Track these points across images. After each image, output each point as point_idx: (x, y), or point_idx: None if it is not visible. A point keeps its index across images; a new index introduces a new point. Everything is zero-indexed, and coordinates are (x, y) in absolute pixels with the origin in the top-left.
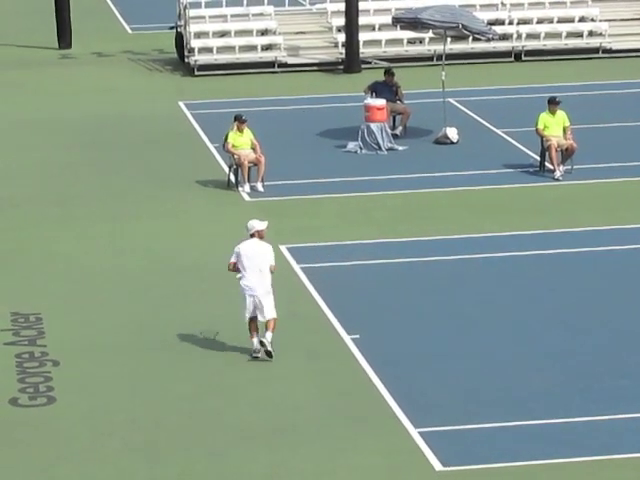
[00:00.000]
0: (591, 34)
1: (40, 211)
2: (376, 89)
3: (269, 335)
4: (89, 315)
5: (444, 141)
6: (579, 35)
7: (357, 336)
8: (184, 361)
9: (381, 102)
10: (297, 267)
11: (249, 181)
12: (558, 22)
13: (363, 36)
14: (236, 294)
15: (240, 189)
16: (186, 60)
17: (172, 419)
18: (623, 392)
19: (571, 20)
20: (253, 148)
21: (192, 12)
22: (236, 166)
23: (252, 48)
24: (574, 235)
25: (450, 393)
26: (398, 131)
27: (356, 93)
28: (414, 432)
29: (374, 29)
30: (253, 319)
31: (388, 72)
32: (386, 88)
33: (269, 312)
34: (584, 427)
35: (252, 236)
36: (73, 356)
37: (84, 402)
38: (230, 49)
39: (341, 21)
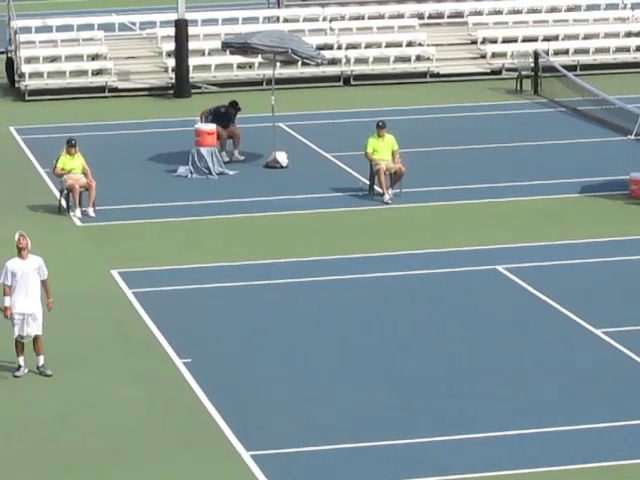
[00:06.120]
0: (419, 59)
1: None
2: (217, 113)
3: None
4: None
5: (274, 165)
6: (407, 59)
7: (189, 360)
8: (7, 386)
9: (211, 127)
10: (129, 292)
11: (80, 206)
12: (386, 47)
13: (193, 61)
14: (69, 320)
15: (71, 214)
16: (17, 85)
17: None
18: (455, 412)
19: (399, 45)
20: (84, 173)
21: (22, 37)
22: (67, 191)
23: (83, 73)
24: (402, 258)
25: (283, 416)
26: (237, 154)
27: (186, 117)
28: (246, 455)
29: (204, 54)
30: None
31: (234, 106)
32: (226, 116)
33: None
34: (417, 448)
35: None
36: None
37: None
38: (61, 74)
39: (171, 46)
